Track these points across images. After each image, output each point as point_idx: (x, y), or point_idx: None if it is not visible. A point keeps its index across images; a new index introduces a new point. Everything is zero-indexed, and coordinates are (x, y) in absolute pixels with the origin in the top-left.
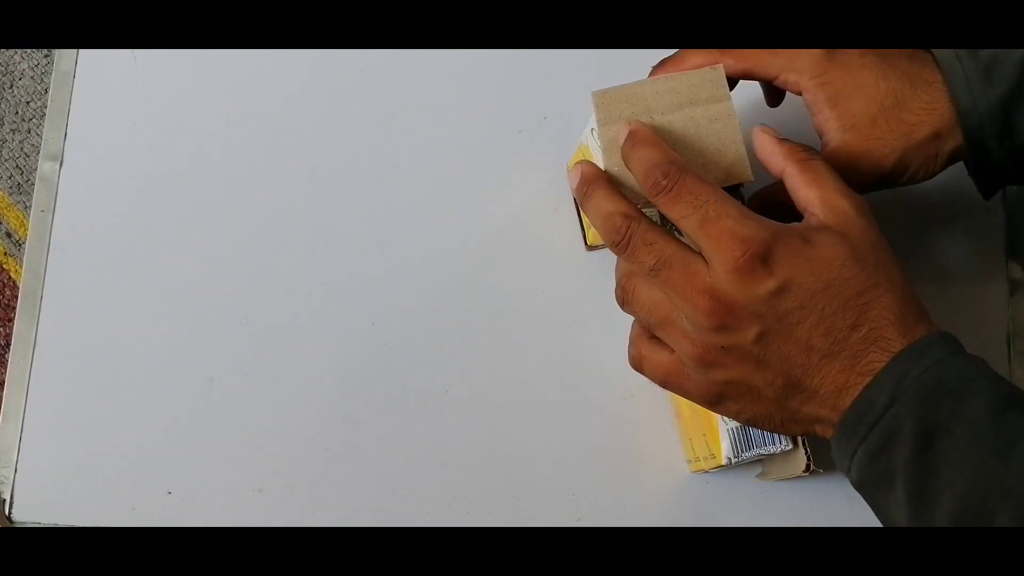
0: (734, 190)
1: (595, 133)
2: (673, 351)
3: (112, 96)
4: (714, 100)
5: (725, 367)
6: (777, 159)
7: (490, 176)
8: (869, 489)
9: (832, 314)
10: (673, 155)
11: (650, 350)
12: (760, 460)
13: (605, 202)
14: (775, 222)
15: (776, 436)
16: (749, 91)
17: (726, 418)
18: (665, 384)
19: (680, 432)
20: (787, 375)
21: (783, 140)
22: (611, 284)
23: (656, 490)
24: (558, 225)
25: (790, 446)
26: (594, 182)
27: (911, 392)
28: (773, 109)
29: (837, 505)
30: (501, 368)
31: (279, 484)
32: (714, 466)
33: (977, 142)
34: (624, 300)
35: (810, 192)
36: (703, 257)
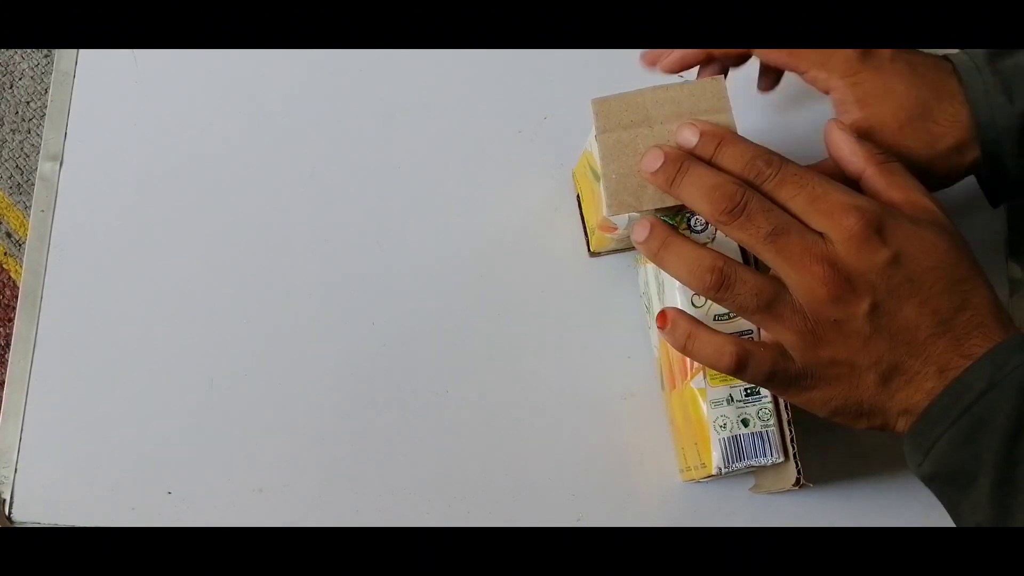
0: None
1: (595, 140)
2: (771, 341)
3: (112, 96)
4: (715, 111)
5: (833, 344)
6: (857, 159)
7: (490, 176)
8: (941, 482)
9: (939, 294)
10: (763, 146)
11: (754, 347)
12: (752, 472)
13: (709, 175)
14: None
15: (767, 448)
16: (750, 94)
17: (723, 426)
18: (771, 379)
19: (674, 442)
20: (893, 353)
21: (862, 141)
22: (609, 284)
23: (656, 490)
24: (558, 225)
25: (781, 459)
26: (687, 159)
27: (1009, 380)
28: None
29: (836, 511)
30: (501, 369)
31: (279, 484)
32: (705, 475)
33: (994, 156)
34: (722, 285)
35: (894, 194)
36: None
